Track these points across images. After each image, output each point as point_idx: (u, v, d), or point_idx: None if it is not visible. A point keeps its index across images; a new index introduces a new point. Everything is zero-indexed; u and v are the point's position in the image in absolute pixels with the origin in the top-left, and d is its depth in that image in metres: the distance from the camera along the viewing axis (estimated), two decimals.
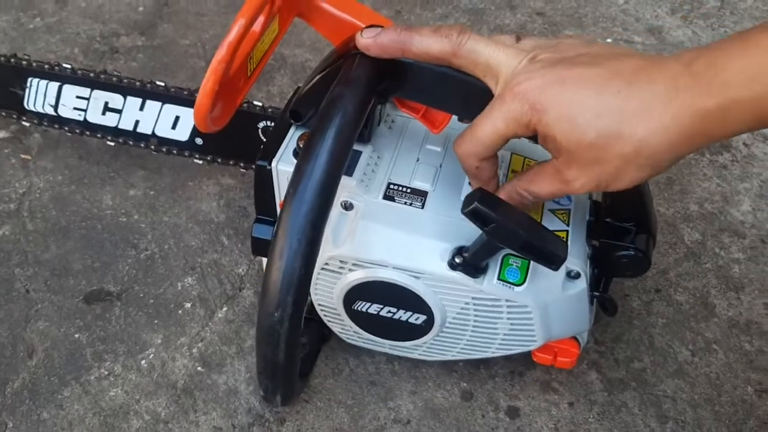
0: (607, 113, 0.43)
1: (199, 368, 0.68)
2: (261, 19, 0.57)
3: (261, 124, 0.75)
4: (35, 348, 0.68)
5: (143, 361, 0.68)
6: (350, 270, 0.58)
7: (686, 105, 0.41)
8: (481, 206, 0.49)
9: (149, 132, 0.79)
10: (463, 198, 0.54)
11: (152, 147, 0.80)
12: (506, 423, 0.65)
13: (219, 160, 0.79)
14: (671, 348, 0.71)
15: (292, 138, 0.59)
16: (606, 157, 0.45)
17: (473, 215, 0.50)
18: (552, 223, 0.59)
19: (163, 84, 0.77)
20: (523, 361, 0.69)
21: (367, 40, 0.51)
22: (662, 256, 0.79)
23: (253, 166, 0.59)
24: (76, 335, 0.70)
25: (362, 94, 0.50)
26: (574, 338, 0.64)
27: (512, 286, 0.56)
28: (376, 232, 0.57)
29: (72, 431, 0.63)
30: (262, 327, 0.50)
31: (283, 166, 0.57)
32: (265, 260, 0.61)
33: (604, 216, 0.61)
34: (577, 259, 0.58)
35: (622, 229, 0.60)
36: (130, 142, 0.80)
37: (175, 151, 0.79)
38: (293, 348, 0.51)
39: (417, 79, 0.53)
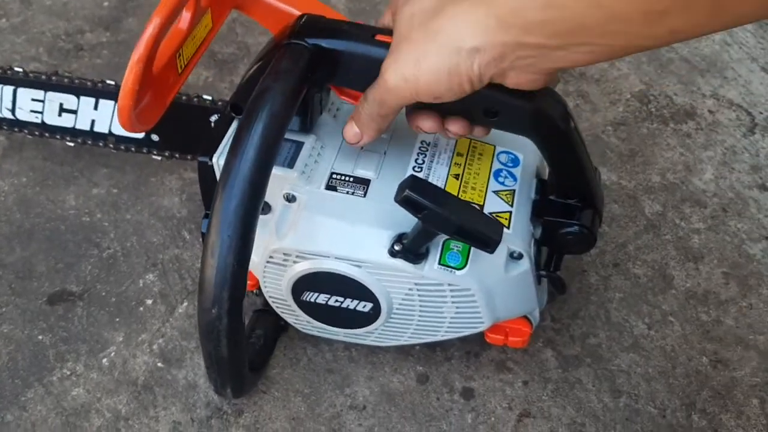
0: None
1: (159, 364, 0.69)
2: (187, 16, 0.57)
3: (213, 117, 0.75)
4: None
5: (104, 360, 0.69)
6: (294, 262, 0.58)
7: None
8: (413, 193, 0.50)
9: (106, 131, 0.79)
10: None
11: (111, 145, 0.81)
12: (461, 404, 0.66)
13: (177, 155, 0.80)
14: (627, 322, 0.71)
15: (234, 132, 0.59)
16: (415, 32, 0.46)
17: (405, 203, 0.51)
18: (496, 205, 0.60)
19: (113, 83, 0.77)
20: (479, 342, 0.70)
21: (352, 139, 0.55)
22: (621, 230, 0.79)
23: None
24: (40, 337, 0.71)
25: (291, 86, 0.50)
26: (526, 317, 0.65)
27: (453, 270, 0.57)
28: (319, 222, 0.57)
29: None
30: (201, 324, 0.51)
31: (222, 160, 0.57)
32: None
33: (549, 194, 0.61)
34: (519, 239, 0.58)
35: (566, 206, 0.60)
36: (89, 142, 0.81)
37: (133, 149, 0.80)
38: (235, 342, 0.52)
39: (350, 66, 0.53)
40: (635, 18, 0.39)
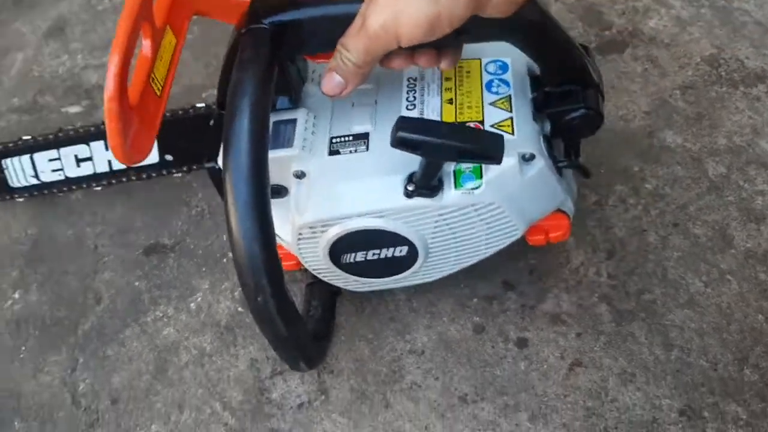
0: None
1: (239, 309, 0.76)
2: (147, 42, 0.57)
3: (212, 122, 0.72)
4: (102, 295, 0.79)
5: (192, 304, 0.77)
6: (322, 232, 0.60)
7: None
8: (404, 133, 0.51)
9: (122, 166, 0.81)
10: None
11: (133, 178, 0.83)
12: (514, 352, 0.70)
13: (195, 167, 0.81)
14: (684, 280, 0.73)
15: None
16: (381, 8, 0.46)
17: (401, 144, 0.51)
18: (496, 116, 0.60)
19: None
20: (535, 295, 0.73)
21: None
22: (684, 191, 0.79)
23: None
24: (136, 283, 0.79)
25: (261, 72, 0.50)
26: (560, 211, 0.64)
27: (472, 190, 0.58)
28: (332, 188, 0.59)
29: (131, 365, 0.73)
30: (254, 315, 0.53)
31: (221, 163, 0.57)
32: None
33: (543, 87, 0.61)
34: (527, 141, 0.58)
35: (565, 93, 0.60)
36: (114, 181, 0.83)
37: (154, 174, 0.82)
38: (291, 320, 0.54)
39: (314, 32, 0.53)
40: None
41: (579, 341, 0.70)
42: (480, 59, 0.63)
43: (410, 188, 0.57)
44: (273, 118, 0.59)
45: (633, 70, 0.94)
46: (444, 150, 0.52)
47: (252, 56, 0.51)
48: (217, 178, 0.61)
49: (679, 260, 0.74)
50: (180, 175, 0.83)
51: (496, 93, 0.61)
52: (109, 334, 0.75)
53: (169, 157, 0.80)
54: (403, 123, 0.51)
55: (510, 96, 0.60)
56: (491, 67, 0.63)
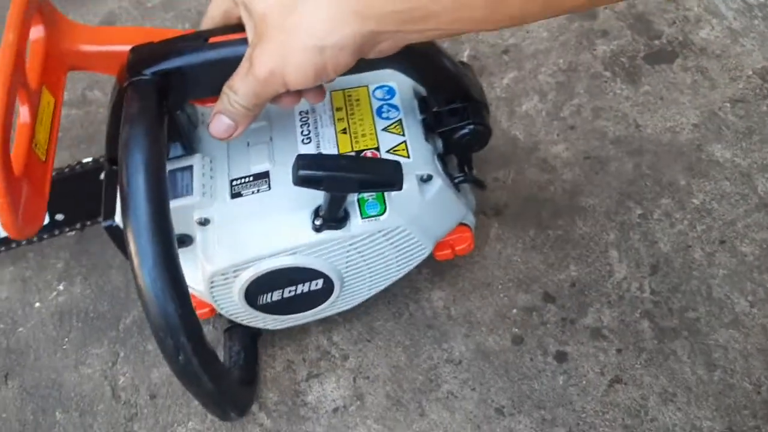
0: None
1: None
2: (24, 109, 0.54)
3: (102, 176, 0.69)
4: None
5: None
6: (235, 276, 0.59)
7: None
8: (305, 171, 0.51)
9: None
10: None
11: (13, 245, 0.76)
12: (553, 366, 0.69)
13: (88, 222, 0.76)
14: (729, 299, 0.71)
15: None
16: (274, 30, 0.46)
17: (303, 182, 0.51)
18: (390, 141, 0.61)
19: None
20: (576, 308, 0.72)
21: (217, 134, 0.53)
22: (732, 207, 0.78)
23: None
24: None
25: (151, 124, 0.49)
26: (462, 224, 0.67)
27: (377, 217, 0.59)
28: (238, 231, 0.58)
29: None
30: (176, 374, 0.51)
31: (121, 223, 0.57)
32: None
33: (431, 108, 0.63)
34: (422, 162, 0.60)
35: (452, 111, 0.62)
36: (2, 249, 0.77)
37: (45, 236, 0.76)
38: (217, 374, 0.53)
39: (198, 78, 0.52)
40: (479, 5, 0.43)
41: (619, 357, 0.69)
42: (367, 86, 0.64)
43: (318, 222, 0.57)
44: (168, 167, 0.56)
45: (682, 81, 0.92)
46: (346, 183, 0.52)
47: (140, 109, 0.49)
48: (117, 236, 0.59)
49: (725, 278, 0.73)
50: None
51: (387, 118, 0.62)
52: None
53: (59, 217, 0.75)
54: (302, 161, 0.51)
55: (401, 120, 0.62)
56: (379, 93, 0.64)
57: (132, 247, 0.46)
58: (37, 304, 0.79)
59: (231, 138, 0.53)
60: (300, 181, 0.51)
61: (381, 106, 0.63)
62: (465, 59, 0.98)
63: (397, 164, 0.53)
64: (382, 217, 0.58)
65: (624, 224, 0.78)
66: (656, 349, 0.69)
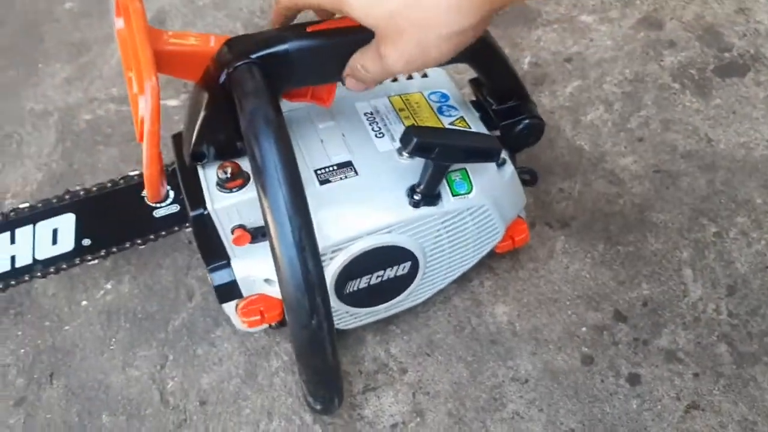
0: None
1: None
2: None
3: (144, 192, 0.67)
4: (194, 292, 0.77)
5: None
6: (331, 259, 0.59)
7: None
8: (421, 138, 0.54)
9: (30, 261, 0.69)
10: (381, 150, 0.61)
11: (38, 274, 0.70)
12: (626, 389, 0.65)
13: (114, 249, 0.71)
14: None
15: (207, 177, 0.58)
16: (406, 29, 0.47)
17: (418, 149, 0.55)
18: None
19: (27, 204, 0.67)
20: (649, 328, 0.69)
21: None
22: None
23: (177, 228, 0.64)
24: None
25: (271, 98, 0.49)
26: (518, 216, 0.71)
27: (465, 195, 0.61)
28: (335, 214, 0.58)
29: (221, 366, 0.71)
30: (303, 340, 0.50)
31: (219, 204, 0.57)
32: (231, 307, 0.64)
33: (488, 106, 0.68)
34: None
35: (510, 108, 0.67)
36: (13, 282, 0.70)
37: (64, 266, 0.70)
38: (336, 348, 0.52)
39: (298, 64, 0.53)
40: None
41: (696, 382, 0.65)
42: (420, 92, 0.68)
43: (416, 197, 0.59)
44: None
45: (755, 96, 0.88)
46: (456, 152, 0.56)
47: (255, 88, 0.49)
48: (201, 227, 0.58)
49: None
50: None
51: (450, 116, 0.66)
52: (200, 332, 0.74)
53: (86, 242, 0.70)
54: (416, 131, 0.55)
55: (462, 116, 0.66)
56: (434, 97, 0.68)
57: (267, 204, 0.46)
58: (84, 303, 0.77)
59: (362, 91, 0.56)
60: (415, 149, 0.55)
61: (440, 107, 0.67)
62: (526, 66, 0.95)
63: (495, 138, 0.59)
64: (470, 195, 0.61)
65: (698, 242, 0.75)
66: (735, 374, 0.65)
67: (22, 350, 0.73)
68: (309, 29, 0.52)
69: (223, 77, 0.51)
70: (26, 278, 0.70)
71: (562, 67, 0.95)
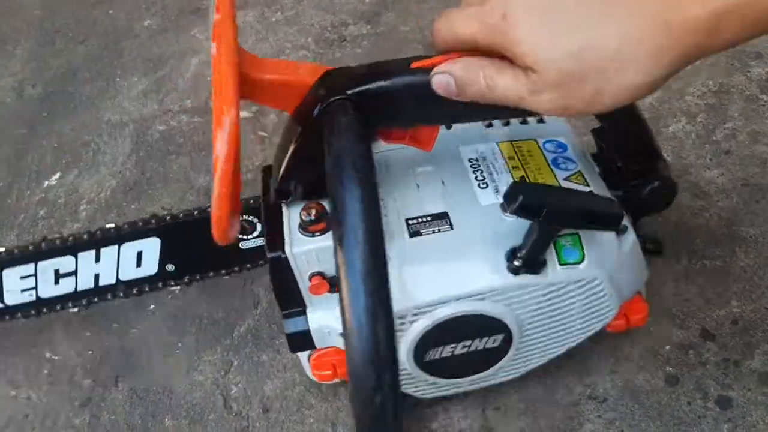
0: (585, 26, 0.38)
1: None
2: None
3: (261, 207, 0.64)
4: (260, 299, 0.76)
5: None
6: (411, 322, 0.53)
7: (676, 14, 0.36)
8: (528, 199, 0.47)
9: (113, 280, 0.70)
10: (483, 203, 0.54)
11: (121, 294, 0.72)
12: (715, 413, 0.61)
13: (198, 276, 0.73)
14: None
15: (291, 217, 0.55)
16: (585, 73, 0.39)
17: (523, 210, 0.48)
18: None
19: (112, 225, 0.69)
20: (740, 348, 0.64)
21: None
22: None
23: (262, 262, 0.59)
24: None
25: (362, 139, 0.44)
26: (638, 293, 0.60)
27: (575, 265, 0.53)
28: (422, 272, 0.53)
29: (285, 373, 0.69)
30: (363, 418, 0.43)
31: (297, 249, 0.53)
32: (304, 357, 0.60)
33: (611, 163, 0.59)
34: None
35: (639, 166, 0.58)
36: (95, 299, 0.72)
37: (147, 288, 0.72)
38: (401, 421, 0.45)
39: (396, 102, 0.47)
40: None
41: None
42: (535, 139, 0.60)
43: (517, 263, 0.51)
44: None
45: None
46: (568, 216, 0.49)
47: (347, 125, 0.44)
48: (278, 270, 0.54)
49: None
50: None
51: (566, 169, 0.57)
52: (265, 339, 0.72)
53: (170, 267, 0.70)
54: (522, 188, 0.48)
55: (580, 171, 0.57)
56: (550, 146, 0.60)
57: (342, 259, 0.40)
58: (152, 306, 0.77)
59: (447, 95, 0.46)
60: (519, 209, 0.48)
61: (555, 158, 0.59)
62: None
63: (616, 202, 0.50)
64: (581, 266, 0.53)
65: None
66: None
67: (90, 352, 0.74)
68: (413, 65, 0.46)
69: (316, 112, 0.47)
70: (108, 297, 0.71)
71: None
